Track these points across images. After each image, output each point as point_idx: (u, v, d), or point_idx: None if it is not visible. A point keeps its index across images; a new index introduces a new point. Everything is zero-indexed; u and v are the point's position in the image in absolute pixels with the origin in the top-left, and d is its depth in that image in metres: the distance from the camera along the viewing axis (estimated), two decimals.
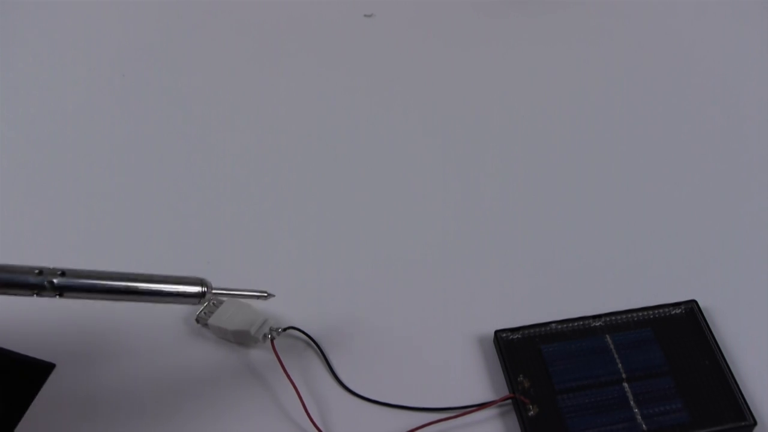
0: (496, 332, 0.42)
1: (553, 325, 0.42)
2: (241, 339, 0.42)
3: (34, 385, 0.41)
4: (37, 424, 0.39)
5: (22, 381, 0.41)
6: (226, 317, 0.42)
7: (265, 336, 0.42)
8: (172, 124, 0.54)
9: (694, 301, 0.43)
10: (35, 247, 0.47)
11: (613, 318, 0.43)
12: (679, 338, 0.42)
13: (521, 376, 0.40)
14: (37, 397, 0.40)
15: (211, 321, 0.42)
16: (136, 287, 0.38)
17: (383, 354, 0.42)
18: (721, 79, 0.58)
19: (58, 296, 0.36)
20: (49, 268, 0.36)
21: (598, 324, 0.42)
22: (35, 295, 0.36)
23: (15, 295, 0.36)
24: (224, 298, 0.43)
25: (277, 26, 0.62)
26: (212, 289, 0.39)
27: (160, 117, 0.55)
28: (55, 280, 0.36)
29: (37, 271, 0.36)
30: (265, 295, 0.42)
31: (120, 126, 0.53)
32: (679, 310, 0.43)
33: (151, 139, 0.54)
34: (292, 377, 0.40)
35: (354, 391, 0.41)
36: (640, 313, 0.43)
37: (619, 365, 0.41)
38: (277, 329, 0.42)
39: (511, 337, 0.42)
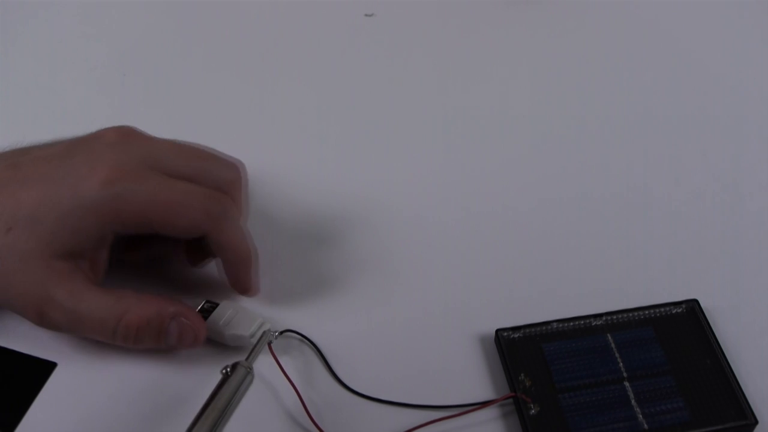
0: (497, 331, 0.42)
1: (555, 323, 0.42)
2: (237, 343, 0.42)
3: (36, 384, 0.41)
4: (38, 423, 0.39)
5: (23, 380, 0.41)
6: (222, 321, 0.42)
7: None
8: (172, 125, 0.53)
9: (695, 300, 0.43)
10: None
11: (614, 317, 0.43)
12: (680, 337, 0.42)
13: (522, 374, 0.40)
14: (39, 396, 0.40)
15: (207, 324, 0.42)
16: None
17: (383, 353, 0.42)
18: (722, 78, 0.58)
19: None
20: None
21: (599, 323, 0.42)
22: None
23: None
24: (220, 301, 0.43)
25: (277, 26, 0.62)
26: None
27: (160, 117, 0.55)
28: None
29: None
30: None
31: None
32: (680, 309, 0.43)
33: None
34: (291, 377, 0.40)
35: (354, 389, 0.41)
36: (641, 312, 0.43)
37: (620, 364, 0.41)
38: (275, 333, 0.42)
39: (512, 335, 0.42)
